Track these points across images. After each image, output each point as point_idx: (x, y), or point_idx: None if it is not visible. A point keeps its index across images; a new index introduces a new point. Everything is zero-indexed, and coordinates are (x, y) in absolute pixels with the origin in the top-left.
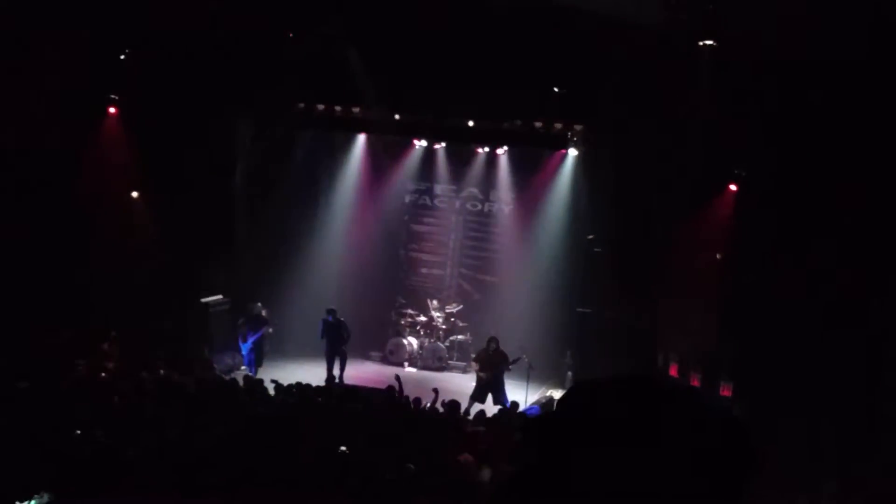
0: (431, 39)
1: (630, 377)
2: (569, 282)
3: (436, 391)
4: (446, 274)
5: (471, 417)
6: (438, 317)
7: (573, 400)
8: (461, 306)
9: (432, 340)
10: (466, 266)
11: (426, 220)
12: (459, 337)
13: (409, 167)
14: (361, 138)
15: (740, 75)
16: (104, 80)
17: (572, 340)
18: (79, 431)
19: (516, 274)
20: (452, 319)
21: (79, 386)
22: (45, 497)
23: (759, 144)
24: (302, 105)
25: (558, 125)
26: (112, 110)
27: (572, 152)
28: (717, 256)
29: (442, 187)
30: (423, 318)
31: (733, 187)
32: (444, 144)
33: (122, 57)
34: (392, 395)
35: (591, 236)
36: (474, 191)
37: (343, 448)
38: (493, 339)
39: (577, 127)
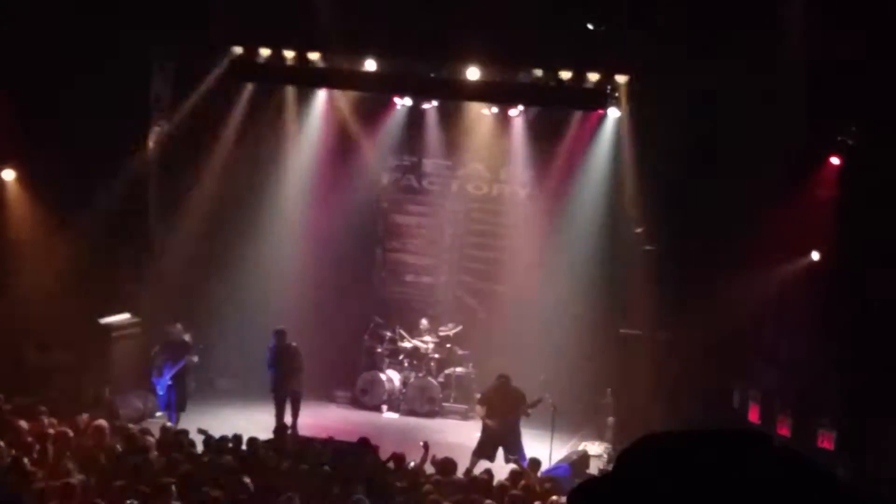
0: None
1: (721, 432)
2: (609, 293)
3: (426, 445)
4: (440, 283)
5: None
6: (429, 342)
7: (642, 459)
8: (460, 327)
9: (421, 375)
10: (467, 272)
11: (412, 207)
12: (458, 370)
13: (387, 136)
14: (322, 96)
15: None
16: None
17: (613, 374)
18: None
19: (535, 283)
20: (448, 346)
21: None
22: None
23: (875, 101)
24: (239, 50)
25: (594, 76)
26: None
27: (613, 113)
28: (814, 257)
29: (433, 163)
30: (407, 345)
31: (836, 161)
32: (435, 104)
33: None
34: (366, 451)
35: (639, 229)
36: (478, 167)
37: None
38: (503, 375)
39: (621, 78)
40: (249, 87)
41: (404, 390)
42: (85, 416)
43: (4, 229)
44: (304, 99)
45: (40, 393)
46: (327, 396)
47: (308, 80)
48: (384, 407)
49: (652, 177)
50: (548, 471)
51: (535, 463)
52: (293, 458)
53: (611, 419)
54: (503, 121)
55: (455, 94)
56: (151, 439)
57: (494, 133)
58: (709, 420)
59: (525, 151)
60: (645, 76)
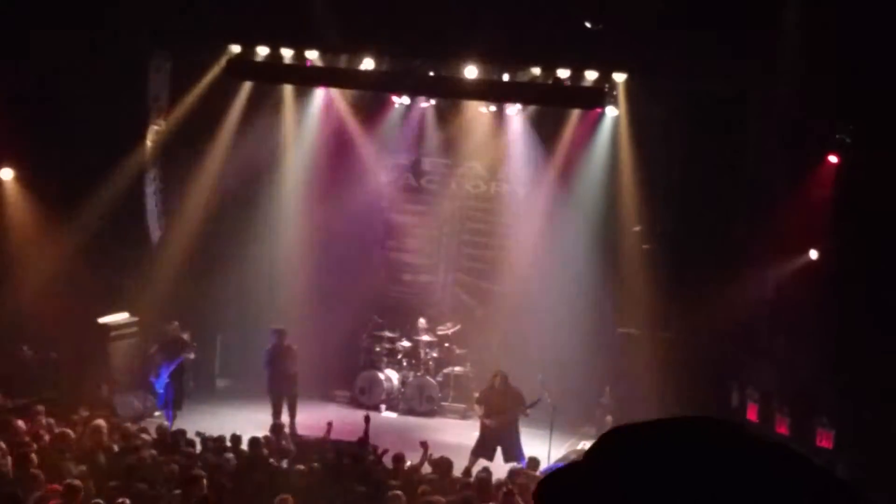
0: None
1: (699, 422)
2: (607, 292)
3: (424, 445)
4: (438, 282)
5: (472, 478)
6: (428, 341)
7: (612, 454)
8: (458, 326)
9: (419, 374)
10: (466, 271)
11: (410, 206)
12: (456, 369)
13: (385, 134)
14: (319, 94)
15: None
16: None
17: (612, 373)
18: None
19: (534, 281)
20: (447, 345)
21: None
22: None
23: (873, 100)
24: (237, 48)
25: (592, 74)
26: None
27: (611, 112)
28: (812, 255)
29: (431, 162)
30: (406, 344)
31: (833, 159)
32: (433, 102)
33: None
34: (366, 450)
35: (637, 228)
36: (476, 166)
37: None
38: (501, 373)
39: (619, 76)
40: (247, 85)
41: (403, 389)
42: (83, 416)
43: (2, 229)
44: (301, 97)
45: (38, 392)
46: (326, 396)
47: (306, 78)
48: (383, 406)
49: (650, 175)
50: (546, 470)
51: (534, 462)
52: (291, 458)
53: (609, 418)
54: (501, 119)
55: (453, 93)
56: (148, 438)
57: (492, 131)
58: None
59: (523, 150)
60: (643, 75)
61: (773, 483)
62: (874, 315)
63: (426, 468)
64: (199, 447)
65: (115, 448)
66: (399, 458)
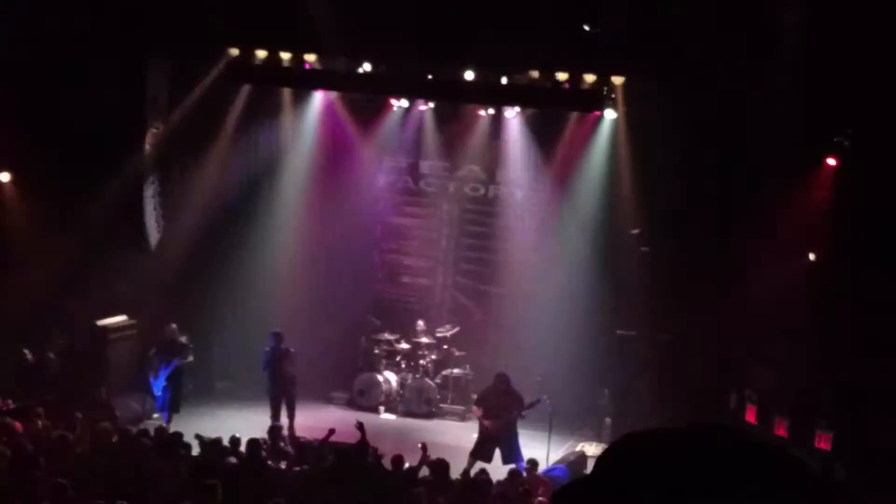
0: None
1: (702, 428)
2: (606, 294)
3: (423, 447)
4: (437, 284)
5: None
6: (426, 343)
7: (619, 460)
8: (457, 329)
9: (418, 376)
10: (464, 273)
11: (409, 209)
12: (455, 371)
13: (384, 137)
14: (318, 97)
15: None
16: None
17: (610, 375)
18: None
19: (532, 284)
20: (445, 347)
21: None
22: None
23: (871, 102)
24: (236, 51)
25: (590, 77)
26: None
27: (610, 114)
28: (810, 258)
29: (430, 165)
30: (405, 346)
31: (832, 162)
32: (432, 105)
33: None
34: (366, 453)
35: (635, 231)
36: (475, 169)
37: None
38: (501, 375)
39: (617, 79)
40: (246, 88)
41: (401, 391)
42: (82, 418)
43: (0, 231)
44: (300, 100)
45: (37, 395)
46: (324, 398)
47: (304, 81)
48: (381, 408)
49: (648, 178)
50: (545, 472)
51: (533, 464)
52: (289, 460)
53: (608, 420)
54: (500, 122)
55: (452, 96)
56: (147, 441)
57: (491, 134)
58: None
59: (522, 153)
60: (641, 77)
61: (775, 490)
62: (872, 317)
63: (424, 470)
64: (196, 449)
65: (116, 450)
66: (398, 460)
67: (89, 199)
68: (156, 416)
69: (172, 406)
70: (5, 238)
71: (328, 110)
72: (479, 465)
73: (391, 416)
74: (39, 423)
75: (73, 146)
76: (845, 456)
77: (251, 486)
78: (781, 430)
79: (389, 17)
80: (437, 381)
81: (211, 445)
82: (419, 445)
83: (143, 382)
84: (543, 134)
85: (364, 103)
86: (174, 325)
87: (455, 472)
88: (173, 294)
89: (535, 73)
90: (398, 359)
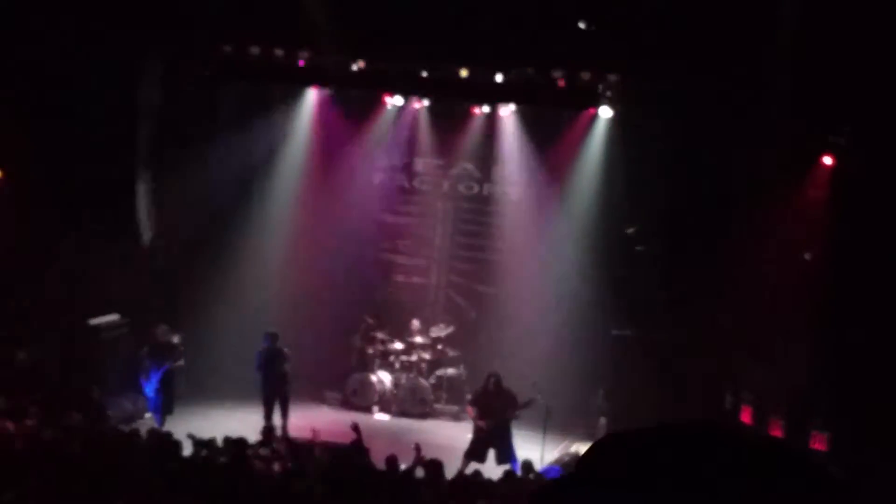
0: None
1: (688, 425)
2: (601, 293)
3: (417, 447)
4: (431, 283)
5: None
6: (420, 343)
7: (606, 458)
8: (452, 328)
9: (412, 376)
10: (459, 272)
11: (403, 208)
12: (449, 371)
13: (378, 135)
14: (312, 95)
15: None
16: None
17: (605, 374)
18: None
19: (527, 283)
20: (440, 346)
21: None
22: None
23: (867, 101)
24: (229, 48)
25: (585, 75)
26: None
27: (605, 112)
28: (807, 257)
29: (424, 163)
30: (399, 346)
31: (828, 161)
32: (426, 102)
33: None
34: (360, 454)
35: (630, 230)
36: (469, 167)
37: None
38: (494, 375)
39: (612, 77)
40: (239, 85)
41: (395, 391)
42: (74, 417)
43: None
44: (294, 98)
45: (28, 394)
46: (318, 398)
47: (298, 78)
48: (375, 408)
49: (643, 176)
50: (540, 471)
51: (527, 465)
52: (283, 461)
53: (603, 420)
54: (494, 120)
55: (446, 94)
56: (139, 440)
57: (486, 132)
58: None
59: (516, 151)
60: (637, 75)
61: (771, 483)
62: (869, 317)
63: (419, 471)
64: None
65: (107, 450)
66: (392, 461)
67: (82, 197)
68: (147, 415)
69: (165, 408)
70: None
71: (321, 108)
72: (473, 465)
73: (385, 416)
74: (30, 422)
75: (66, 144)
76: (841, 457)
77: (243, 486)
78: (777, 431)
79: (383, 13)
80: (431, 380)
81: (203, 446)
82: (413, 446)
83: (135, 382)
84: (538, 132)
85: (358, 101)
86: (165, 326)
87: (449, 473)
88: (166, 292)
89: (529, 71)
90: (392, 358)
